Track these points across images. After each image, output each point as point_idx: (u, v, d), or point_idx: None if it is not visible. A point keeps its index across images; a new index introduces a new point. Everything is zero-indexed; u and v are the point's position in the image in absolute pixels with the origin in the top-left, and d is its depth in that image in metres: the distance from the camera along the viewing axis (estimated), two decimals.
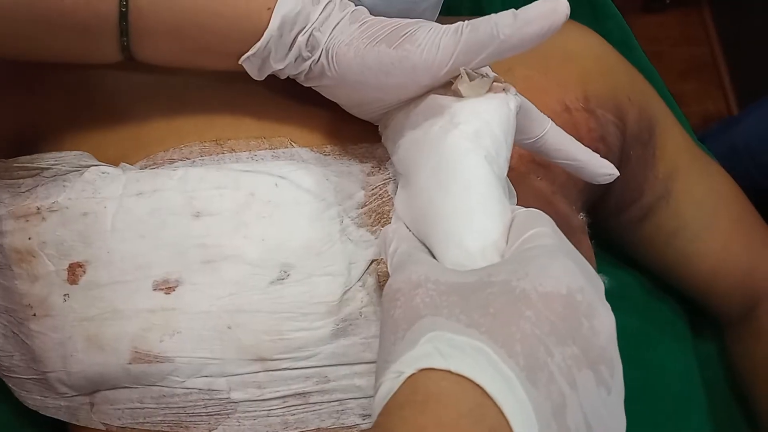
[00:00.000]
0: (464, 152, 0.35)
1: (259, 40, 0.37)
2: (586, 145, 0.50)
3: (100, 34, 0.37)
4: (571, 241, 0.47)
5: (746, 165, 0.78)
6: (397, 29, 0.36)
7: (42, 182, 0.40)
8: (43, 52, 0.39)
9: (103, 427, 0.40)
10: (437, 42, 0.35)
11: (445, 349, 0.26)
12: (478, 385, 0.25)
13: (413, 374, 0.26)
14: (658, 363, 0.60)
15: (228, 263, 0.38)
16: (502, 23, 0.34)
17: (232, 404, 0.38)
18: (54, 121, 0.44)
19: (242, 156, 0.41)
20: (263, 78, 0.40)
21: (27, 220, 0.40)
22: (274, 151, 0.42)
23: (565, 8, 0.34)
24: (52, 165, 0.40)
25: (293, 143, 0.42)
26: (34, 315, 0.39)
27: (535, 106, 0.40)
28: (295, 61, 0.38)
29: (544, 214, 0.33)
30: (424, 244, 0.36)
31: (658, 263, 0.61)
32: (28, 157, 0.41)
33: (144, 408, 0.39)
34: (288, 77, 0.40)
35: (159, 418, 0.38)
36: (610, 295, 0.57)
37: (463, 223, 0.33)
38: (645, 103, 0.56)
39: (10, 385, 0.43)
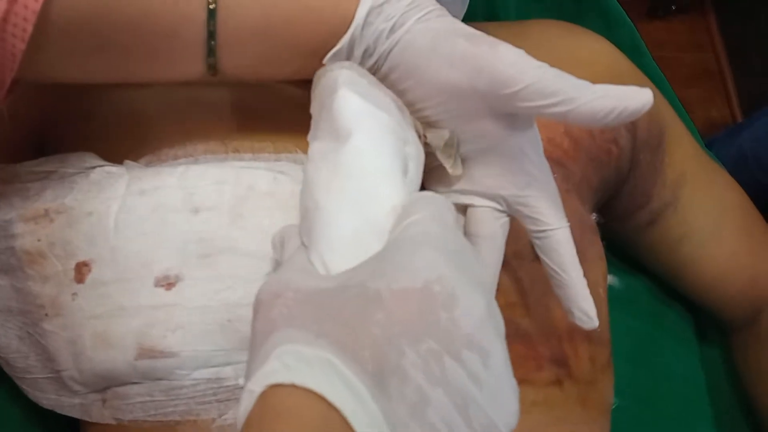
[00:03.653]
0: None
1: (347, 32, 0.36)
2: (598, 146, 0.51)
3: (186, 38, 0.36)
4: (583, 240, 0.49)
5: (753, 171, 0.79)
6: (484, 35, 0.36)
7: (50, 185, 0.41)
8: (120, 68, 0.38)
9: (114, 422, 0.40)
10: (516, 61, 0.34)
11: (292, 362, 0.25)
12: (324, 398, 0.24)
13: (263, 392, 0.25)
14: (664, 366, 0.61)
15: (225, 256, 0.39)
16: (584, 85, 0.33)
17: (240, 390, 0.39)
18: (70, 120, 0.45)
19: (245, 157, 0.42)
20: None
21: (36, 223, 0.40)
22: (278, 155, 0.42)
23: (647, 99, 0.33)
24: (58, 168, 0.41)
25: (298, 149, 0.43)
26: (47, 315, 0.40)
27: None
28: (374, 50, 0.37)
29: (437, 197, 0.32)
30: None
31: (665, 268, 0.61)
32: (34, 161, 0.41)
33: (154, 401, 0.39)
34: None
35: (170, 409, 0.39)
36: (617, 299, 0.58)
37: (350, 201, 0.32)
38: (655, 110, 0.56)
39: (23, 387, 0.43)
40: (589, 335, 0.45)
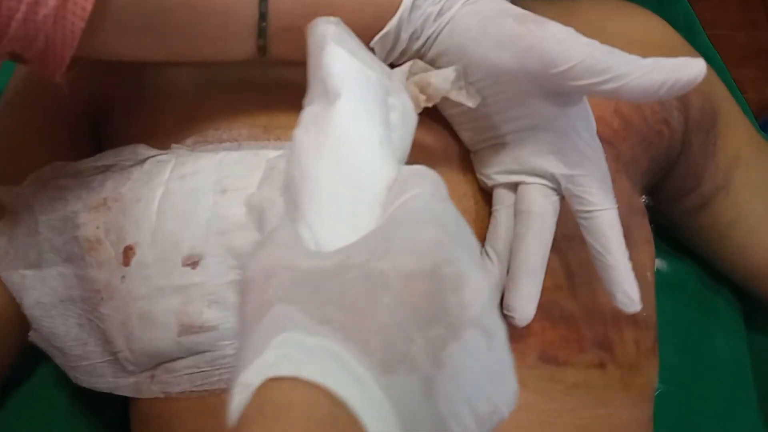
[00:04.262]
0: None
1: (395, 14, 0.36)
2: (649, 126, 0.50)
3: (238, 19, 0.37)
4: (631, 222, 0.48)
5: None
6: (532, 15, 0.36)
7: (111, 176, 0.43)
8: (173, 47, 0.39)
9: (162, 395, 0.41)
10: (565, 39, 0.34)
11: (295, 353, 0.23)
12: (330, 392, 0.22)
13: (262, 385, 0.22)
14: (710, 353, 0.60)
15: (241, 232, 0.40)
16: (635, 60, 0.33)
17: None
18: (122, 95, 0.46)
19: (285, 145, 0.42)
20: (388, 62, 0.39)
21: (97, 211, 0.42)
22: None
23: (699, 69, 0.32)
24: (117, 161, 0.43)
25: None
26: (102, 299, 0.42)
27: None
28: (421, 33, 0.37)
29: (430, 172, 0.29)
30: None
31: (715, 253, 0.60)
32: (92, 158, 0.43)
33: (201, 371, 0.40)
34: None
35: (215, 378, 0.40)
36: (665, 283, 0.57)
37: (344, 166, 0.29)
38: (709, 91, 0.55)
39: (78, 375, 0.44)
40: (635, 319, 0.45)
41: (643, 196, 0.52)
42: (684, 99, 0.52)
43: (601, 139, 0.46)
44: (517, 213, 0.40)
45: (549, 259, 0.39)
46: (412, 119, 0.35)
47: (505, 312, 0.39)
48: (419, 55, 0.38)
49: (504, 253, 0.40)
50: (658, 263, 0.56)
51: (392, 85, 0.34)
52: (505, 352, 0.26)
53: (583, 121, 0.38)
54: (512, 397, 0.26)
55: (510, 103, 0.38)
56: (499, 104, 0.38)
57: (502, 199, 0.41)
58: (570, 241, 0.43)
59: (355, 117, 0.30)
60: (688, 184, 0.56)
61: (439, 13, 0.36)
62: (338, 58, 0.31)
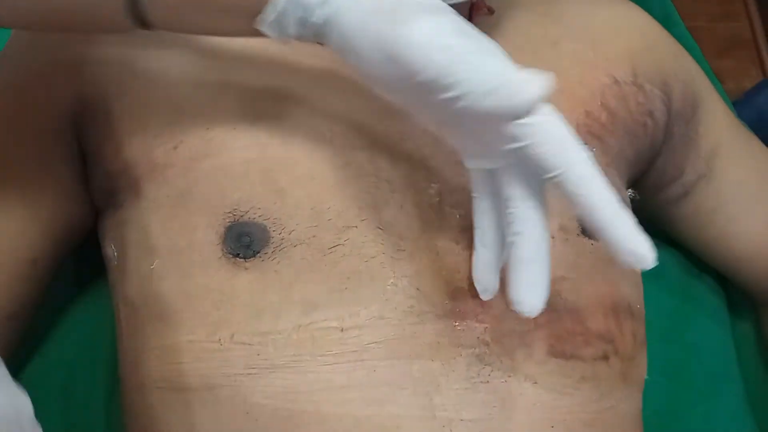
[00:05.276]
0: None
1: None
2: (634, 119, 0.50)
3: None
4: None
5: None
6: (406, 6, 0.32)
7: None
8: (46, 15, 0.36)
9: None
10: (424, 45, 0.32)
11: None
12: None
13: None
14: (695, 341, 0.60)
15: None
16: (484, 72, 0.31)
17: None
18: (102, 100, 0.46)
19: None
20: (286, 43, 0.36)
21: None
22: None
23: (533, 93, 0.31)
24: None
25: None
26: None
27: (584, 78, 0.37)
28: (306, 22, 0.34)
29: None
30: None
31: (697, 242, 0.60)
32: None
33: None
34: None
35: None
36: (647, 273, 0.57)
37: None
38: (690, 80, 0.55)
39: None
40: (631, 311, 0.45)
41: (629, 190, 0.52)
42: (667, 89, 0.52)
43: (591, 134, 0.46)
44: (503, 201, 0.36)
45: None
46: None
47: (513, 306, 0.36)
48: (320, 41, 0.35)
49: (496, 242, 0.38)
50: None
51: None
52: None
53: None
54: None
55: (413, 98, 0.34)
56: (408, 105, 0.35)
57: (480, 185, 0.37)
58: (568, 232, 0.43)
59: None
60: (670, 174, 0.56)
61: (324, 3, 0.33)
62: None
